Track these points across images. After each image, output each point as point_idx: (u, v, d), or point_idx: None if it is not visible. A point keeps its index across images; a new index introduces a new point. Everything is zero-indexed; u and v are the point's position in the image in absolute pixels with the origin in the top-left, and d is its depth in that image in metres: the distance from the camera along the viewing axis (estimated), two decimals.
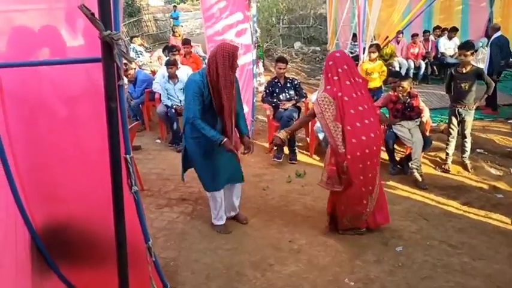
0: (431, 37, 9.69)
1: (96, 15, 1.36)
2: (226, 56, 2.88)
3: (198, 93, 2.97)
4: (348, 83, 3.04)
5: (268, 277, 2.92)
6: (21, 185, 1.87)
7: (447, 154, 4.77)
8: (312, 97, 5.40)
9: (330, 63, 3.10)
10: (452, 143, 4.73)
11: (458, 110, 4.62)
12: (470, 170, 4.68)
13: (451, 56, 8.96)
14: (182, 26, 15.46)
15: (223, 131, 3.11)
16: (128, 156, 1.64)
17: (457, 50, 6.68)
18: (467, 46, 4.59)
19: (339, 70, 3.04)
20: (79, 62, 1.66)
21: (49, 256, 2.04)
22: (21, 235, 1.88)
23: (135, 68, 6.51)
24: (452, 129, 4.71)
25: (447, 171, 4.71)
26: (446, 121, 5.13)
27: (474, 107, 4.61)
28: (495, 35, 7.31)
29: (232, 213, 3.62)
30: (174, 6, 19.68)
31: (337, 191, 3.23)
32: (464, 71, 4.53)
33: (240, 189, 3.59)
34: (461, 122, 4.65)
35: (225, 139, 3.05)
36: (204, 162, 3.22)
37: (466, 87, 4.50)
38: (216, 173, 3.24)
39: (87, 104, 1.82)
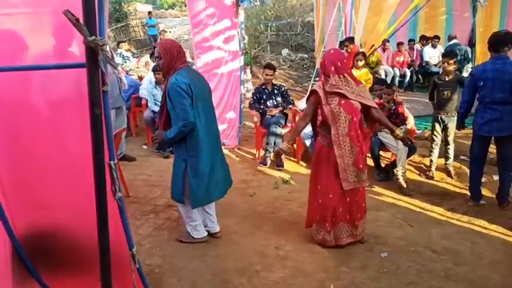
0: (417, 46, 9.88)
1: (81, 21, 1.36)
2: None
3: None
4: None
5: (254, 284, 2.91)
6: (2, 190, 1.83)
7: (431, 161, 4.85)
8: (299, 104, 5.44)
9: (345, 61, 3.13)
10: (436, 150, 4.81)
11: (441, 117, 4.71)
12: (453, 177, 4.77)
13: (435, 65, 9.14)
14: (170, 32, 15.46)
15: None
16: (112, 162, 1.63)
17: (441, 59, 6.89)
18: (450, 55, 4.71)
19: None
20: (63, 68, 1.65)
21: (30, 264, 2.00)
22: (2, 242, 1.85)
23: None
24: (436, 136, 4.79)
25: (431, 177, 4.78)
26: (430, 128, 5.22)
27: (456, 114, 4.71)
28: (450, 43, 8.14)
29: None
30: (149, 12, 18.01)
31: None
32: (446, 79, 4.63)
33: None
34: (444, 129, 4.74)
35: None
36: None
37: (449, 94, 4.59)
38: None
39: (72, 109, 1.80)
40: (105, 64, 1.45)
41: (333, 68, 3.03)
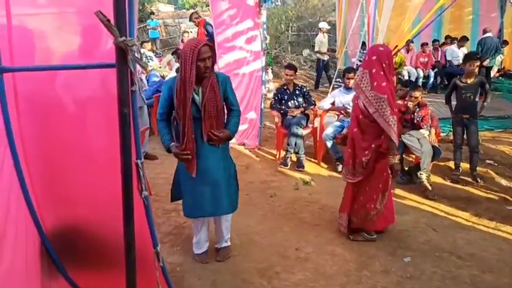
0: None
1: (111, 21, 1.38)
2: (188, 51, 2.57)
3: (168, 97, 2.82)
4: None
5: (274, 285, 2.90)
6: (32, 187, 1.88)
7: (455, 164, 4.74)
8: (321, 105, 5.40)
9: (374, 58, 3.03)
10: (459, 153, 4.70)
11: (462, 120, 4.60)
12: (479, 181, 4.63)
13: (457, 66, 8.92)
14: (192, 32, 15.51)
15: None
16: (138, 161, 1.64)
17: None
18: (474, 57, 4.58)
19: (383, 65, 3.03)
20: (93, 67, 1.68)
21: (57, 258, 2.05)
22: (31, 236, 1.89)
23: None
24: (458, 139, 4.68)
25: (456, 181, 4.67)
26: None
27: (478, 116, 4.60)
28: (484, 35, 8.59)
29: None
30: (152, 13, 16.84)
31: (353, 187, 3.33)
32: (469, 82, 4.53)
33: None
34: (467, 133, 4.62)
35: (172, 143, 2.82)
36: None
37: (471, 97, 4.48)
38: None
39: (98, 108, 1.83)
40: (134, 64, 1.46)
41: None
